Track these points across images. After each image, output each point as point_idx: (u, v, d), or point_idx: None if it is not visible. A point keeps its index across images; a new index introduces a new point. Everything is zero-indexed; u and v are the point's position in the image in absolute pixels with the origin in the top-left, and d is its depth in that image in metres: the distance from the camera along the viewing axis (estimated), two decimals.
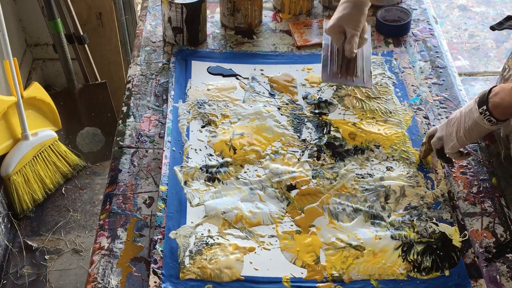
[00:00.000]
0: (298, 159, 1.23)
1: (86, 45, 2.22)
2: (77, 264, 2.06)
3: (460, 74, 2.71)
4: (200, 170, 1.20)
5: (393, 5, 1.61)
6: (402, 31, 1.56)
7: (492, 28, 1.27)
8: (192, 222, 1.10)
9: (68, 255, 2.09)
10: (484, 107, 1.06)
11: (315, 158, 1.23)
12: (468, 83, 2.92)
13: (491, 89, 1.07)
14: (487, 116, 1.06)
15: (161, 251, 1.05)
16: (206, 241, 1.07)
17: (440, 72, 1.46)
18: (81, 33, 2.19)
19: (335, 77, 1.34)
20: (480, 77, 2.97)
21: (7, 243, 2.07)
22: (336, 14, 1.32)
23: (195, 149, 1.24)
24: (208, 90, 1.39)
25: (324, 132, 1.29)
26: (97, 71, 2.30)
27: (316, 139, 1.27)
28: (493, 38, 3.09)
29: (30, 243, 2.10)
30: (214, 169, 1.20)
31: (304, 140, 1.27)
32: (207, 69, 1.45)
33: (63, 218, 2.20)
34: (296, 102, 1.36)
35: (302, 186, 1.18)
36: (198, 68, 1.45)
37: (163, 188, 1.15)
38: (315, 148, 1.25)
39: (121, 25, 2.40)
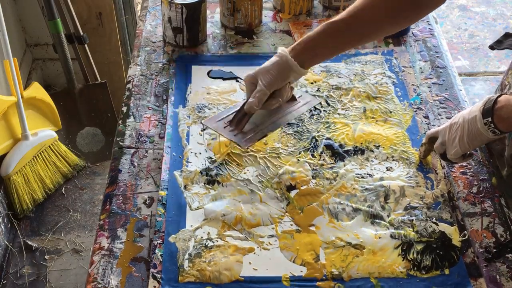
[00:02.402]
0: (298, 160, 1.23)
1: (86, 45, 2.22)
2: (77, 264, 2.06)
3: (460, 74, 2.71)
4: (200, 174, 1.20)
5: None
6: (402, 31, 1.56)
7: (491, 47, 1.23)
8: (191, 226, 1.10)
9: (68, 255, 2.09)
10: (489, 119, 1.03)
11: (314, 153, 1.23)
12: (468, 83, 2.92)
13: (496, 99, 1.03)
14: (492, 128, 1.04)
15: (161, 255, 1.05)
16: (205, 243, 1.07)
17: (440, 72, 1.46)
18: (81, 33, 2.19)
19: (221, 126, 1.22)
20: (480, 77, 2.97)
21: (7, 243, 2.07)
22: (259, 67, 1.20)
23: (195, 153, 1.24)
24: (208, 94, 1.39)
25: (324, 133, 1.29)
26: (97, 71, 2.30)
27: (314, 139, 1.27)
28: (493, 38, 3.09)
29: (30, 243, 2.10)
30: (214, 171, 1.20)
31: (304, 140, 1.27)
32: (208, 73, 1.45)
33: (63, 218, 2.20)
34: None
35: (301, 186, 1.18)
36: (198, 73, 1.45)
37: (162, 193, 1.15)
38: (315, 146, 1.25)
39: (121, 25, 2.40)
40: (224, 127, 1.21)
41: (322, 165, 1.22)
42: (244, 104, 1.21)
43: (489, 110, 1.03)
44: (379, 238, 1.08)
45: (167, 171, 1.20)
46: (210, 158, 1.23)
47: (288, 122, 1.26)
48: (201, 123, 1.23)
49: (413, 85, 1.41)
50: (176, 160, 1.22)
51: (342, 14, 1.14)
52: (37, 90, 2.08)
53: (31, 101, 2.06)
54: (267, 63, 1.19)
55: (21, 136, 2.04)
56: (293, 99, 1.28)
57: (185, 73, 1.45)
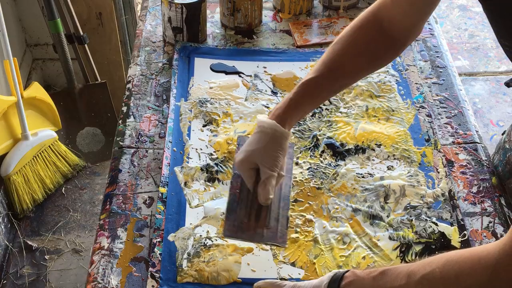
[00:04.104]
0: (297, 161, 1.23)
1: (86, 45, 2.22)
2: (77, 264, 2.06)
3: (460, 74, 2.71)
4: (200, 170, 1.19)
5: None
6: None
7: (508, 84, 1.17)
8: (191, 224, 1.10)
9: (68, 255, 2.09)
10: None
11: (315, 152, 1.23)
12: (468, 83, 2.92)
13: (343, 275, 0.88)
14: None
15: (160, 254, 1.05)
16: (204, 242, 1.07)
17: (440, 72, 1.46)
18: (81, 33, 2.19)
19: (240, 231, 1.03)
20: (480, 77, 2.97)
21: (7, 243, 2.07)
22: (248, 147, 1.05)
23: (196, 149, 1.24)
24: (211, 88, 1.39)
25: (325, 131, 1.29)
26: (97, 71, 2.30)
27: (315, 137, 1.27)
28: (493, 38, 3.09)
29: (30, 243, 2.10)
30: (215, 168, 1.20)
31: (305, 139, 1.27)
32: (210, 66, 1.45)
33: (63, 218, 2.20)
34: None
35: (302, 186, 1.18)
36: (201, 65, 1.45)
37: (163, 190, 1.15)
38: (316, 145, 1.25)
39: (121, 25, 2.40)
40: (247, 230, 1.03)
41: (321, 162, 1.22)
42: (250, 193, 1.05)
43: (335, 287, 0.88)
44: (378, 240, 1.08)
45: (167, 167, 1.19)
46: (211, 154, 1.23)
47: (290, 187, 1.10)
48: (224, 238, 1.06)
49: (416, 83, 1.41)
50: (177, 155, 1.22)
51: (319, 69, 1.07)
52: (37, 90, 2.08)
53: (31, 101, 2.06)
54: (259, 141, 1.03)
55: (21, 136, 2.04)
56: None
57: (188, 65, 1.44)
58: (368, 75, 1.41)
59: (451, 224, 1.11)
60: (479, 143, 1.28)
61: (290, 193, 1.09)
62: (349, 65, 1.09)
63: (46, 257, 2.07)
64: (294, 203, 1.14)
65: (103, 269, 1.03)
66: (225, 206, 1.05)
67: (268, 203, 1.03)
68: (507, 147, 1.20)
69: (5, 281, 1.99)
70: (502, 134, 1.26)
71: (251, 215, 1.04)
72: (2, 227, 2.04)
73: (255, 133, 1.05)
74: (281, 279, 1.02)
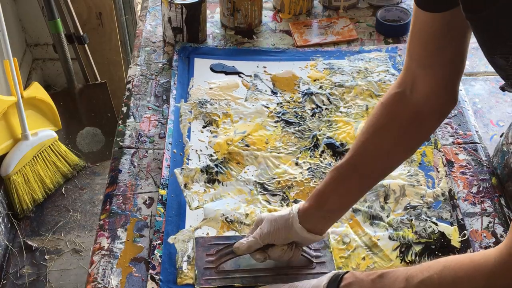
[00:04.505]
0: (297, 161, 1.23)
1: (86, 45, 2.22)
2: (77, 264, 2.06)
3: None
4: (200, 172, 1.19)
5: (393, 5, 1.61)
6: (402, 31, 1.56)
7: (502, 89, 1.07)
8: (190, 226, 1.10)
9: (68, 255, 2.09)
10: None
11: (315, 152, 1.23)
12: (468, 83, 2.92)
13: (342, 276, 0.88)
14: None
15: (160, 256, 1.05)
16: None
17: None
18: (81, 33, 2.19)
19: (208, 247, 1.06)
20: (480, 77, 2.97)
21: (7, 243, 2.07)
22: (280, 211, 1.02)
23: (196, 150, 1.24)
24: (210, 89, 1.39)
25: (325, 131, 1.29)
26: (97, 71, 2.30)
27: (315, 137, 1.27)
28: None
29: (30, 243, 2.10)
30: (215, 170, 1.20)
31: (305, 139, 1.27)
32: (210, 66, 1.45)
33: (63, 218, 2.20)
34: (298, 101, 1.36)
35: (301, 186, 1.18)
36: (201, 66, 1.45)
37: (162, 192, 1.15)
38: (316, 145, 1.25)
39: (121, 25, 2.40)
40: (207, 254, 1.04)
41: (321, 161, 1.22)
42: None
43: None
44: (378, 240, 1.08)
45: (167, 168, 1.19)
46: (211, 155, 1.23)
47: (274, 283, 1.01)
48: (194, 240, 1.07)
49: None
50: (177, 157, 1.22)
51: (347, 155, 0.97)
52: (37, 90, 2.07)
53: (31, 101, 2.06)
54: (279, 214, 1.00)
55: (21, 136, 2.04)
56: (307, 261, 1.04)
57: (188, 66, 1.44)
58: (367, 74, 1.40)
59: (451, 224, 1.10)
60: (479, 143, 1.28)
61: (266, 284, 1.01)
62: (373, 147, 0.96)
63: (46, 257, 2.07)
64: (294, 203, 1.14)
65: (103, 269, 1.03)
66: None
67: (236, 252, 1.00)
68: (505, 149, 1.20)
69: (5, 281, 1.99)
70: (500, 137, 1.26)
71: (222, 250, 1.03)
72: (2, 227, 2.04)
73: (282, 216, 0.99)
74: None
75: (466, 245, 1.07)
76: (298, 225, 0.97)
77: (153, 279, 1.01)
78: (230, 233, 1.09)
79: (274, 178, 1.19)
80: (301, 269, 1.03)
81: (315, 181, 1.18)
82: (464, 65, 0.92)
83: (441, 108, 0.96)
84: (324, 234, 1.00)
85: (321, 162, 1.22)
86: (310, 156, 1.24)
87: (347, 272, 0.88)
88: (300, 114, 1.33)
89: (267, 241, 0.99)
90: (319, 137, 1.27)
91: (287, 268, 1.03)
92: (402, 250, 1.07)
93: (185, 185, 1.17)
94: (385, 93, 1.11)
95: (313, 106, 1.35)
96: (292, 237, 0.98)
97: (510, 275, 0.73)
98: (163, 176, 1.18)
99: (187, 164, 1.21)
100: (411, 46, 0.93)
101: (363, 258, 1.05)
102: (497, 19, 0.71)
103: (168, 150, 1.23)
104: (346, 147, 1.25)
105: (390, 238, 1.09)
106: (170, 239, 1.07)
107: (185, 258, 1.04)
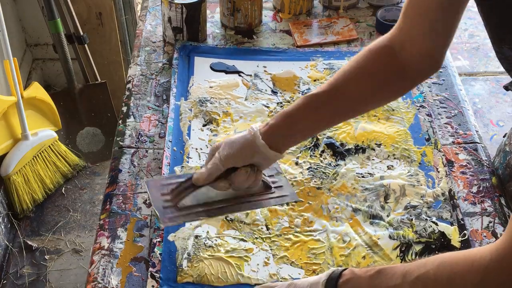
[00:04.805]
0: (297, 161, 1.23)
1: (86, 45, 2.22)
2: (77, 264, 2.06)
3: (460, 74, 2.71)
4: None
5: (393, 5, 1.62)
6: None
7: (506, 88, 1.11)
8: (191, 224, 1.10)
9: (68, 255, 2.09)
10: None
11: (315, 152, 1.23)
12: (468, 83, 2.92)
13: (341, 272, 0.88)
14: None
15: (160, 254, 1.05)
16: (204, 243, 1.07)
17: (440, 72, 1.46)
18: (81, 33, 2.19)
19: (161, 187, 1.03)
20: (480, 77, 2.97)
21: (7, 243, 2.07)
22: (230, 149, 1.00)
23: (196, 148, 1.24)
24: (211, 87, 1.39)
25: (325, 131, 1.29)
26: (97, 71, 2.30)
27: (315, 137, 1.27)
28: None
29: (30, 243, 2.10)
30: None
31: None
32: (210, 65, 1.45)
33: (63, 218, 2.20)
34: None
35: (301, 185, 1.18)
36: (201, 64, 1.45)
37: None
38: (316, 145, 1.25)
39: (121, 25, 2.40)
40: (162, 194, 1.01)
41: (321, 161, 1.22)
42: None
43: (333, 285, 0.87)
44: (378, 239, 1.08)
45: (167, 166, 1.19)
46: None
47: (238, 212, 1.05)
48: (145, 182, 1.05)
49: None
50: (177, 155, 1.22)
51: (324, 87, 1.00)
52: (37, 90, 2.08)
53: (31, 101, 2.06)
54: (237, 135, 1.01)
55: (21, 136, 2.04)
56: (266, 187, 1.05)
57: (188, 64, 1.45)
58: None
59: (451, 224, 1.11)
60: (479, 143, 1.28)
61: (225, 215, 1.06)
62: (354, 86, 1.01)
63: (46, 257, 2.07)
64: (294, 203, 1.14)
65: (103, 269, 1.03)
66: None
67: (195, 183, 0.99)
68: (508, 150, 1.20)
69: (5, 281, 1.99)
70: (503, 137, 1.26)
71: (179, 187, 1.01)
72: (2, 227, 2.05)
73: (241, 136, 1.00)
74: (282, 279, 1.02)
75: (466, 245, 1.07)
76: (261, 141, 0.97)
77: (153, 277, 1.01)
78: (230, 231, 1.09)
79: None
80: (261, 194, 1.03)
81: (315, 181, 1.18)
82: (452, 39, 0.98)
83: (425, 71, 1.03)
84: (284, 154, 1.01)
85: (321, 162, 1.23)
86: (310, 156, 1.24)
87: (345, 269, 0.89)
88: None
89: (228, 164, 0.98)
90: (319, 137, 1.27)
91: (247, 196, 1.02)
92: (402, 249, 1.07)
93: None
94: (393, 97, 1.12)
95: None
96: (254, 155, 0.98)
97: (506, 271, 0.73)
98: (163, 173, 1.18)
99: (187, 162, 1.21)
100: (407, 10, 0.97)
101: (364, 257, 1.06)
102: (502, 8, 0.73)
103: (168, 148, 1.23)
104: (346, 147, 1.25)
105: (390, 237, 1.09)
106: (170, 237, 1.07)
107: (185, 256, 1.04)
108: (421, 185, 1.18)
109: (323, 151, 1.25)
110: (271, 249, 1.07)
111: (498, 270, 0.74)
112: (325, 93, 1.00)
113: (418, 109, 1.34)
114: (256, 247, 1.07)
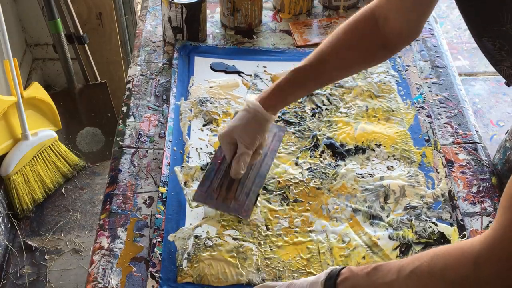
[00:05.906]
0: (297, 161, 1.23)
1: (86, 45, 2.22)
2: (77, 264, 2.06)
3: (460, 74, 2.71)
4: (200, 170, 1.19)
5: None
6: None
7: (507, 84, 1.09)
8: (191, 224, 1.10)
9: (68, 255, 2.09)
10: None
11: (315, 153, 1.23)
12: (468, 83, 2.92)
13: (339, 271, 0.90)
14: None
15: (160, 254, 1.05)
16: (204, 243, 1.07)
17: (440, 72, 1.46)
18: (81, 33, 2.19)
19: (210, 198, 1.11)
20: (480, 77, 2.97)
21: (7, 243, 2.07)
22: (231, 122, 1.13)
23: (196, 148, 1.24)
24: (211, 87, 1.39)
25: (325, 132, 1.29)
26: (97, 71, 2.30)
27: (315, 138, 1.27)
28: None
29: (30, 243, 2.10)
30: None
31: (305, 139, 1.27)
32: (210, 65, 1.45)
33: (63, 218, 2.20)
34: (298, 101, 1.36)
35: (301, 186, 1.18)
36: (201, 64, 1.45)
37: (162, 189, 1.15)
38: (316, 146, 1.25)
39: (121, 25, 2.40)
40: (216, 198, 1.11)
41: (321, 161, 1.22)
42: (227, 166, 1.13)
43: (331, 284, 0.89)
44: (378, 239, 1.08)
45: (167, 166, 1.19)
46: (211, 154, 1.23)
47: (269, 166, 1.17)
48: (193, 199, 1.12)
49: (416, 84, 1.41)
50: (177, 155, 1.22)
51: (310, 59, 1.11)
52: (37, 90, 2.08)
53: (31, 101, 2.06)
54: (242, 119, 1.11)
55: (21, 136, 2.04)
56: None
57: (188, 64, 1.45)
58: (367, 75, 1.41)
59: (451, 224, 1.11)
60: (479, 143, 1.28)
61: (267, 172, 1.16)
62: (339, 57, 1.11)
63: (46, 257, 2.07)
64: (294, 203, 1.14)
65: (103, 269, 1.03)
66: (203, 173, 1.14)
67: (238, 177, 1.12)
68: (508, 145, 1.20)
69: (5, 281, 1.99)
70: (506, 134, 1.26)
71: (223, 186, 1.12)
72: (2, 227, 2.05)
73: (240, 111, 1.13)
74: (281, 279, 1.02)
75: None
76: (270, 116, 1.11)
77: (153, 277, 1.01)
78: (230, 231, 1.09)
79: (274, 178, 1.19)
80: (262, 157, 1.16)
81: (315, 181, 1.18)
82: (431, 13, 1.07)
83: (406, 41, 1.13)
84: (277, 114, 1.15)
85: (321, 162, 1.23)
86: (310, 156, 1.24)
87: (344, 268, 0.90)
88: (300, 114, 1.33)
89: (255, 147, 1.11)
90: (319, 137, 1.27)
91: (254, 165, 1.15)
92: (402, 250, 1.07)
93: (185, 183, 1.17)
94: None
95: (313, 106, 1.35)
96: (267, 128, 1.12)
97: (495, 259, 0.74)
98: (163, 173, 1.18)
99: (187, 162, 1.21)
100: None
101: (363, 257, 1.06)
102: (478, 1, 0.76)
103: (168, 148, 1.23)
104: (346, 148, 1.25)
105: (390, 237, 1.09)
106: (170, 237, 1.07)
107: (185, 256, 1.04)
108: (421, 186, 1.18)
109: (323, 152, 1.25)
110: (271, 249, 1.07)
111: (488, 258, 0.74)
112: (312, 68, 1.10)
113: (418, 110, 1.34)
114: (256, 247, 1.07)
